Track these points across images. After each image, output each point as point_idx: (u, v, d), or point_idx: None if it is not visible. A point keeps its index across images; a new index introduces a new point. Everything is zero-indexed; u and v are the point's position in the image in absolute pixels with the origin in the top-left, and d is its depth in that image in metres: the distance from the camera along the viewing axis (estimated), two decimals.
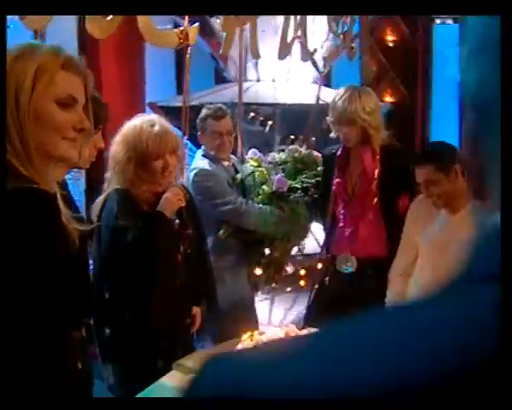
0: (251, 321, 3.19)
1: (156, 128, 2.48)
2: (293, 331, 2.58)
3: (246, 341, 2.49)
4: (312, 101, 3.95)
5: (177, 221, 2.56)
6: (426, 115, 5.90)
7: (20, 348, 1.26)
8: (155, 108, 4.29)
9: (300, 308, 3.84)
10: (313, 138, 3.84)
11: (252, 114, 4.05)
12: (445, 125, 5.47)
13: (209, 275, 2.89)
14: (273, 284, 3.66)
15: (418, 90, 5.84)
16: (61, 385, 1.41)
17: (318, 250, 3.60)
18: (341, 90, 3.02)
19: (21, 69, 1.34)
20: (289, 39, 3.49)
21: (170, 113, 3.73)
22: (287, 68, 4.24)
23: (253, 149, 3.51)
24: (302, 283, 3.74)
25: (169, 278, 2.53)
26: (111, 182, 2.50)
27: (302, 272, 3.71)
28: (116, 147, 2.45)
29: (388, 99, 5.64)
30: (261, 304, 3.71)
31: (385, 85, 5.54)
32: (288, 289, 3.76)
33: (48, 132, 1.38)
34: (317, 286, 3.27)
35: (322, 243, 3.40)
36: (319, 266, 3.42)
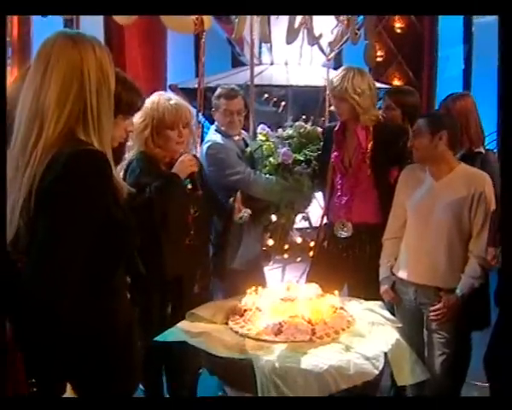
0: (258, 279, 3.43)
1: (172, 102, 2.85)
2: (294, 286, 2.87)
3: (251, 294, 2.79)
4: (322, 83, 4.19)
5: (189, 184, 2.91)
6: (431, 99, 6.06)
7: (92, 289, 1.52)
8: (176, 89, 4.56)
9: None
10: (323, 119, 4.08)
11: (266, 95, 4.30)
12: None
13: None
14: (284, 256, 3.92)
15: (424, 74, 6.00)
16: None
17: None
18: (339, 70, 3.29)
19: (104, 64, 1.53)
20: (296, 25, 3.71)
21: (189, 94, 3.99)
22: (299, 53, 4.47)
23: (262, 125, 3.76)
24: (311, 253, 3.93)
25: (180, 234, 2.87)
26: (132, 149, 2.86)
27: (311, 244, 3.91)
28: (136, 118, 2.72)
29: (396, 83, 5.83)
30: (273, 272, 3.96)
31: (393, 70, 5.73)
32: (298, 259, 4.00)
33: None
34: (317, 249, 3.53)
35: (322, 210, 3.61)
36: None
